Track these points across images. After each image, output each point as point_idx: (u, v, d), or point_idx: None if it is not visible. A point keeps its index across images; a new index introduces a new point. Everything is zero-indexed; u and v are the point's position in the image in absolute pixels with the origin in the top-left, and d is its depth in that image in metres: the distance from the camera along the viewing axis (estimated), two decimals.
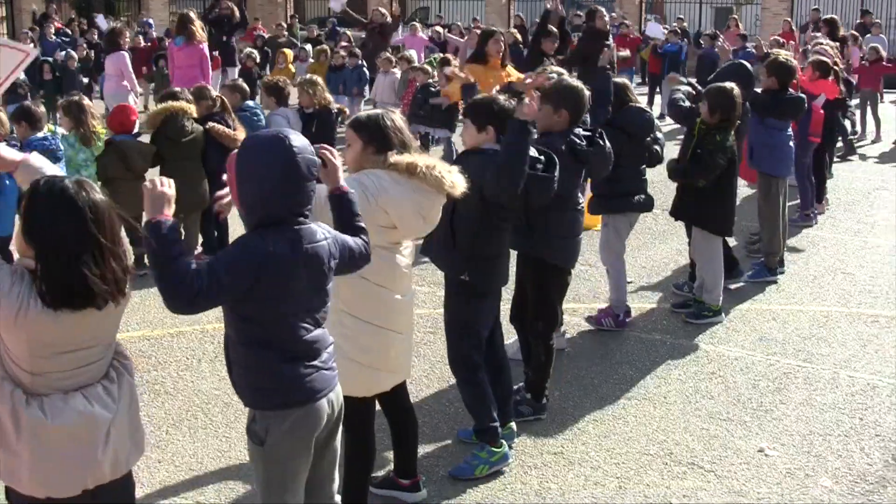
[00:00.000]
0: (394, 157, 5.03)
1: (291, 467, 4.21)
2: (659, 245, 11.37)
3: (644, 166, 8.57)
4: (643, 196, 8.50)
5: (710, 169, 8.50)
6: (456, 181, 5.15)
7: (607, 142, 7.08)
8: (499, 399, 6.25)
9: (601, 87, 7.99)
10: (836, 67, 12.63)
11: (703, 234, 8.92)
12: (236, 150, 4.15)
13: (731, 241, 9.97)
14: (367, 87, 19.48)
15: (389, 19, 21.14)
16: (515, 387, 6.83)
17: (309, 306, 4.16)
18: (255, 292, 3.95)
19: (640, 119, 8.41)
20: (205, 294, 3.82)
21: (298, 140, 4.09)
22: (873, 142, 19.33)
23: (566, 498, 5.97)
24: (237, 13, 19.43)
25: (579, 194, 7.09)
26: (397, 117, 5.22)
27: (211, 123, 10.02)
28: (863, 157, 17.84)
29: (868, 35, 23.91)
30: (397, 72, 18.24)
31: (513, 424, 6.51)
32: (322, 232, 4.19)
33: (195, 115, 10.06)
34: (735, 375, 7.77)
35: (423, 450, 6.37)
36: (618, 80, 8.76)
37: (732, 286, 9.69)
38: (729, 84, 8.77)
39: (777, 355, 8.19)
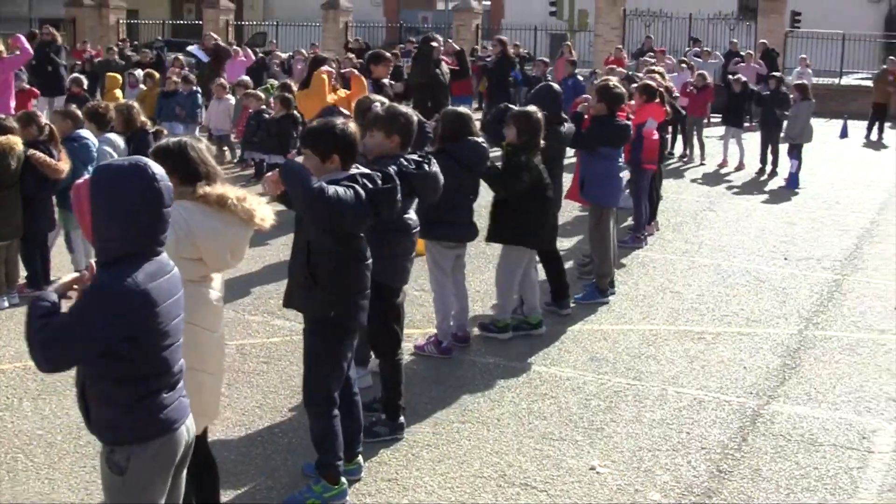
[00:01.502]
0: (203, 189, 4.86)
1: (150, 495, 4.12)
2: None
3: (471, 196, 8.60)
4: (465, 225, 8.52)
5: (511, 185, 8.74)
6: (265, 214, 5.00)
7: (435, 166, 7.13)
8: (351, 434, 6.21)
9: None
10: (661, 90, 13.00)
11: (506, 252, 9.15)
12: (85, 180, 3.99)
13: (568, 264, 10.14)
14: (201, 113, 19.08)
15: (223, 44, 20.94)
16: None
17: (178, 336, 4.11)
18: (131, 333, 3.87)
19: (477, 152, 8.43)
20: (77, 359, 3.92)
21: (157, 167, 3.99)
22: (700, 164, 19.98)
23: None
24: (58, 38, 18.97)
25: (410, 216, 7.13)
26: (203, 146, 5.04)
27: (32, 151, 9.65)
28: (691, 180, 18.41)
29: (699, 60, 24.84)
30: (231, 98, 18.06)
31: (360, 459, 6.46)
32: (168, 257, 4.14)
33: (20, 147, 9.62)
34: (567, 395, 7.89)
35: (254, 481, 6.30)
36: (461, 110, 8.87)
37: (563, 312, 9.84)
38: (532, 107, 9.04)
39: (608, 374, 8.35)
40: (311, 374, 6.03)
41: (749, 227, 14.39)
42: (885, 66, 26.09)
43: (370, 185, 5.75)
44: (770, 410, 7.73)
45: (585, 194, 10.42)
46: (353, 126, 5.97)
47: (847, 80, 31.40)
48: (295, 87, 15.74)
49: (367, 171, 5.90)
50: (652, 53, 24.80)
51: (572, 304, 10.02)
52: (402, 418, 7.09)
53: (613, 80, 11.18)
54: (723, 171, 19.31)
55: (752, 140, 20.19)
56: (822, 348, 9.20)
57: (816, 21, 34.86)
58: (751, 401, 7.90)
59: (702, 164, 19.98)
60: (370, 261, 6.05)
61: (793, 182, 17.90)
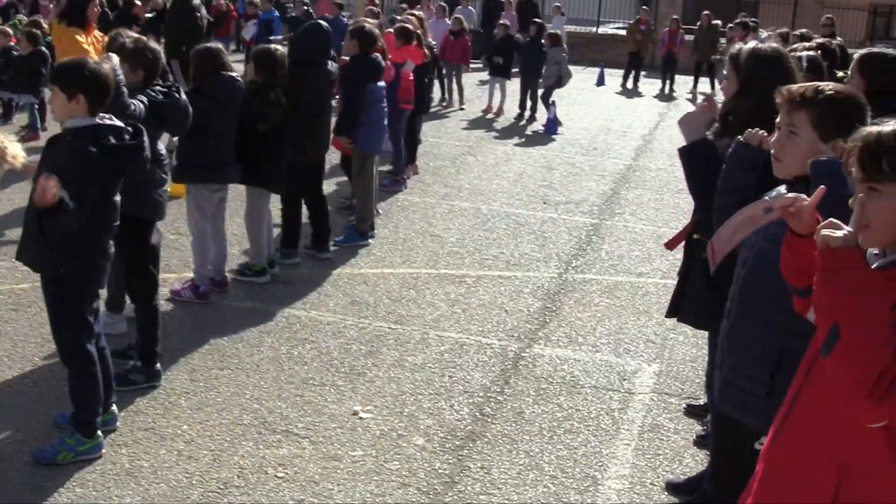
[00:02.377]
0: None
1: None
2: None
3: (230, 135, 8.19)
4: (227, 165, 8.13)
5: (259, 122, 8.32)
6: (17, 152, 4.63)
7: (184, 95, 6.84)
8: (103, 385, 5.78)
9: None
10: (418, 33, 12.85)
11: (249, 194, 8.81)
12: None
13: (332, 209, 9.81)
14: None
15: None
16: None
17: None
18: None
19: (231, 87, 8.04)
20: None
21: None
22: (459, 109, 20.01)
23: (159, 475, 5.53)
24: None
25: (161, 148, 6.82)
26: None
27: None
28: (451, 126, 18.38)
29: (458, 7, 24.78)
30: None
31: (115, 408, 6.03)
32: None
33: None
34: (327, 340, 7.59)
35: (2, 433, 5.81)
36: (212, 45, 8.44)
37: (322, 256, 9.55)
38: (273, 46, 8.84)
39: (368, 318, 8.11)
40: (57, 332, 5.64)
41: (508, 172, 14.42)
42: (638, 17, 26.78)
43: (114, 142, 5.33)
44: (532, 353, 7.67)
45: (356, 143, 10.14)
46: (106, 67, 5.51)
47: (604, 30, 32.14)
48: (46, 24, 14.81)
49: (116, 123, 5.43)
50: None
51: (332, 248, 9.72)
52: (158, 365, 6.68)
53: (370, 23, 10.89)
54: (486, 116, 19.39)
55: (514, 86, 20.33)
56: (582, 291, 9.24)
57: None
58: (512, 344, 7.82)
59: (461, 110, 20.04)
60: (115, 221, 5.57)
61: (551, 128, 18.11)
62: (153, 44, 6.99)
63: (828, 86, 3.92)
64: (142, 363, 6.64)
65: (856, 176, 2.93)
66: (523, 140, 17.34)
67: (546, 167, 14.97)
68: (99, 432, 5.70)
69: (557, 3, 28.59)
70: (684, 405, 6.88)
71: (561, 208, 12.40)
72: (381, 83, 10.18)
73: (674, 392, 7.17)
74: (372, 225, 10.38)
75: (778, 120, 3.96)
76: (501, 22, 20.62)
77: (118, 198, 5.50)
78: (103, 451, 5.70)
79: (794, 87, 3.96)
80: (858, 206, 2.85)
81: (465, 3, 26.26)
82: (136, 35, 7.36)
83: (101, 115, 5.36)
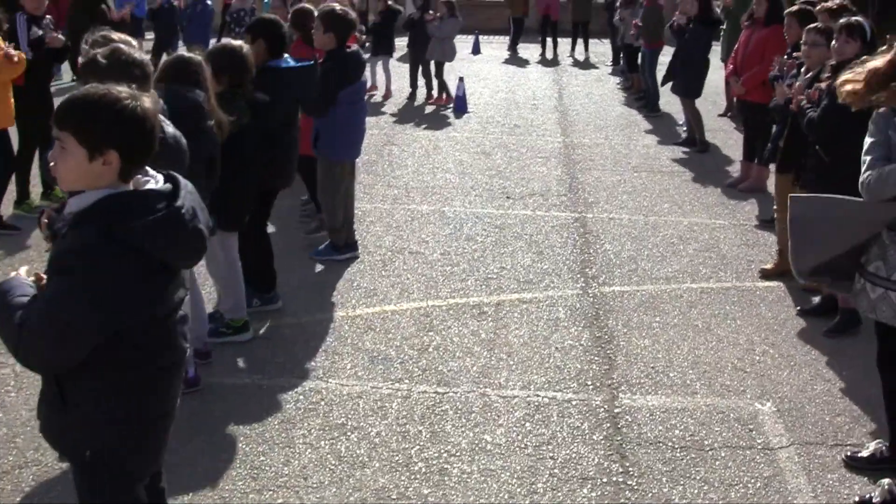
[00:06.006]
0: None
1: None
2: None
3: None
4: None
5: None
6: None
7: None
8: None
9: None
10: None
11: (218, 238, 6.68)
12: None
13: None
14: None
15: None
16: None
17: None
18: None
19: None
20: None
21: None
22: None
23: None
24: None
25: None
26: None
27: None
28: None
29: None
30: None
31: None
32: None
33: None
34: (372, 422, 5.85)
35: None
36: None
37: (271, 308, 7.59)
38: (238, 42, 6.84)
39: (404, 381, 6.39)
40: None
41: (446, 162, 12.70)
42: None
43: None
44: (624, 406, 6.12)
45: (319, 150, 8.33)
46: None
47: None
48: None
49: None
50: None
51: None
52: None
53: (339, 7, 9.00)
54: (373, 99, 17.43)
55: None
56: (622, 310, 7.73)
57: None
58: (594, 396, 6.24)
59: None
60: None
61: (461, 105, 16.49)
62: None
63: None
64: None
65: None
66: (438, 123, 15.61)
67: (482, 153, 13.32)
68: None
69: None
70: (843, 457, 5.49)
71: (529, 203, 10.82)
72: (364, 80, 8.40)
73: (814, 440, 5.75)
74: (350, 240, 8.72)
75: None
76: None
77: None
78: None
79: None
80: None
81: None
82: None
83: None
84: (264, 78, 6.94)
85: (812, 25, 7.92)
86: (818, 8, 8.50)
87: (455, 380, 6.44)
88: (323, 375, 6.48)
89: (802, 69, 7.97)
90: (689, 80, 13.61)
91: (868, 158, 4.90)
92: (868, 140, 4.98)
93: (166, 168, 3.43)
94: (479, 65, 22.40)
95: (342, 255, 8.61)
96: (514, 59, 24.08)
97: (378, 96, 17.75)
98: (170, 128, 4.96)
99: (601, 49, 25.34)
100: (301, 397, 6.16)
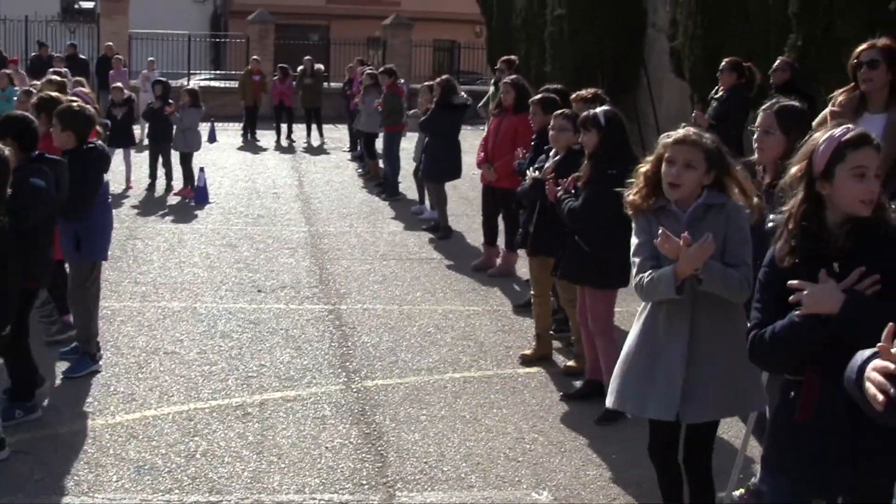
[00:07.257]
0: None
1: None
2: None
3: None
4: None
5: None
6: None
7: None
8: None
9: None
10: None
11: None
12: None
13: None
14: None
15: None
16: None
17: None
18: None
19: None
20: None
21: None
22: None
23: None
24: None
25: None
26: None
27: None
28: None
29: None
30: None
31: None
32: None
33: None
34: None
35: None
36: None
37: (31, 418, 7.15)
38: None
39: (188, 494, 6.11)
40: None
41: (192, 256, 12.41)
42: (249, 67, 25.19)
43: None
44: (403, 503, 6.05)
45: (81, 252, 7.93)
46: None
47: (196, 81, 30.18)
48: None
49: None
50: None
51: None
52: None
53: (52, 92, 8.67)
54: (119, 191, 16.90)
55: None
56: (386, 404, 7.68)
57: (150, 21, 33.10)
58: (371, 496, 6.14)
59: None
60: None
61: (202, 196, 16.20)
62: None
63: None
64: None
65: None
66: (181, 214, 15.25)
67: (228, 245, 13.09)
68: None
69: (151, 58, 26.22)
70: None
71: (281, 296, 10.68)
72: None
73: None
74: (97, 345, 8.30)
75: None
76: (115, 86, 18.00)
77: None
78: None
79: None
80: None
81: (59, 64, 23.46)
82: None
83: None
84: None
85: (559, 112, 8.24)
86: (573, 96, 8.83)
87: (227, 487, 6.20)
88: (88, 490, 6.10)
89: (551, 153, 8.27)
90: (441, 164, 13.71)
91: (637, 260, 5.06)
92: (634, 241, 5.14)
93: None
94: (217, 153, 22.12)
95: (96, 363, 8.18)
96: (250, 146, 23.94)
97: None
98: None
99: (336, 135, 25.58)
100: None
